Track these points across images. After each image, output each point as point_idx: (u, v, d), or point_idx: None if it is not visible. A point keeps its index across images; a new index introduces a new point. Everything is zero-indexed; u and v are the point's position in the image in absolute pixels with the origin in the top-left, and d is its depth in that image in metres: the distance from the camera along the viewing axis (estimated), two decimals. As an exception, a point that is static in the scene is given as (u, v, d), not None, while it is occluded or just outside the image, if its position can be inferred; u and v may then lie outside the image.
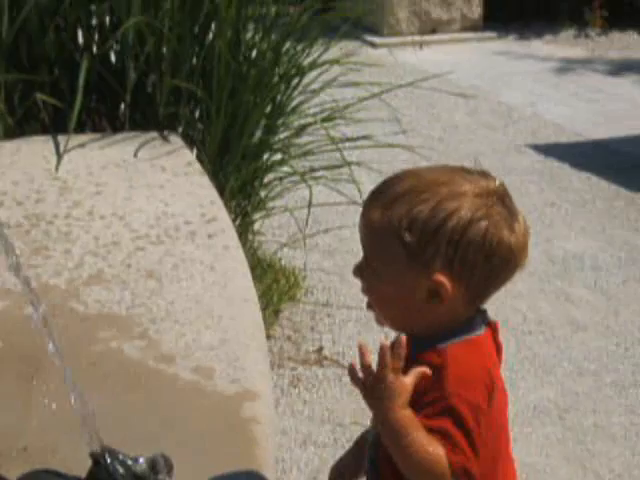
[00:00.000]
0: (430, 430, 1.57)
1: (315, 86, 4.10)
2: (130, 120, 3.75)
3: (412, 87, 4.65)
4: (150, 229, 2.86)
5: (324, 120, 4.01)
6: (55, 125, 3.61)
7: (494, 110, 7.23)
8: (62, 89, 3.69)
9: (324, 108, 4.10)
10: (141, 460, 1.55)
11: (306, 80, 4.08)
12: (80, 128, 3.59)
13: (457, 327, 1.65)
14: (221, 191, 3.40)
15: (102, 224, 2.88)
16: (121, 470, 1.53)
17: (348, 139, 4.09)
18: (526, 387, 3.73)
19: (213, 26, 3.83)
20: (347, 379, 3.95)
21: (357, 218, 1.67)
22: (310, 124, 4.07)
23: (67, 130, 3.39)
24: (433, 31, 9.39)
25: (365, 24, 8.86)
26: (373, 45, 8.81)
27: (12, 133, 3.59)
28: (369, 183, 4.57)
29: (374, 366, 1.58)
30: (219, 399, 2.09)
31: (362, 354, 1.58)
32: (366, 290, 1.68)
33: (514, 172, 5.80)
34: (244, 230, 4.02)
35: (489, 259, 1.60)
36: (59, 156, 3.28)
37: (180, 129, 3.82)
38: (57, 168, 3.22)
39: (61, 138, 3.38)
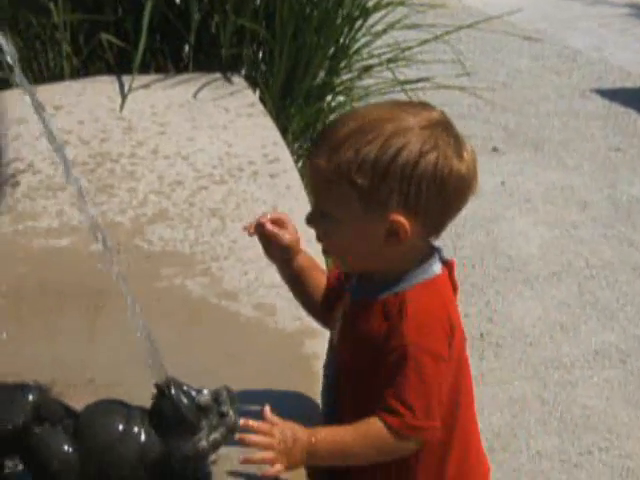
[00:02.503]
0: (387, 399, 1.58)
1: (379, 28, 4.07)
2: (194, 61, 3.76)
3: (476, 31, 4.59)
4: (213, 169, 2.88)
5: (388, 62, 3.99)
6: (120, 65, 3.63)
7: (559, 54, 7.13)
8: (127, 30, 3.71)
9: (387, 50, 4.07)
10: (205, 392, 1.56)
11: (370, 21, 4.05)
12: (144, 68, 3.61)
13: (415, 267, 1.64)
14: (284, 132, 3.41)
15: (166, 163, 2.91)
16: (185, 401, 1.54)
17: (411, 81, 4.06)
18: (588, 331, 3.72)
19: (277, -33, 3.81)
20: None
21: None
22: (373, 66, 4.04)
23: (131, 70, 3.41)
24: (498, -26, 9.28)
25: (430, -33, 8.77)
26: (437, -12, 8.73)
27: (77, 73, 3.63)
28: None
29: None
30: (281, 335, 2.11)
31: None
32: (322, 237, 1.67)
33: (579, 117, 5.74)
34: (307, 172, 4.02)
35: (442, 190, 1.58)
36: (123, 96, 3.30)
37: (243, 70, 3.82)
38: (122, 108, 3.25)
39: (125, 78, 3.40)
